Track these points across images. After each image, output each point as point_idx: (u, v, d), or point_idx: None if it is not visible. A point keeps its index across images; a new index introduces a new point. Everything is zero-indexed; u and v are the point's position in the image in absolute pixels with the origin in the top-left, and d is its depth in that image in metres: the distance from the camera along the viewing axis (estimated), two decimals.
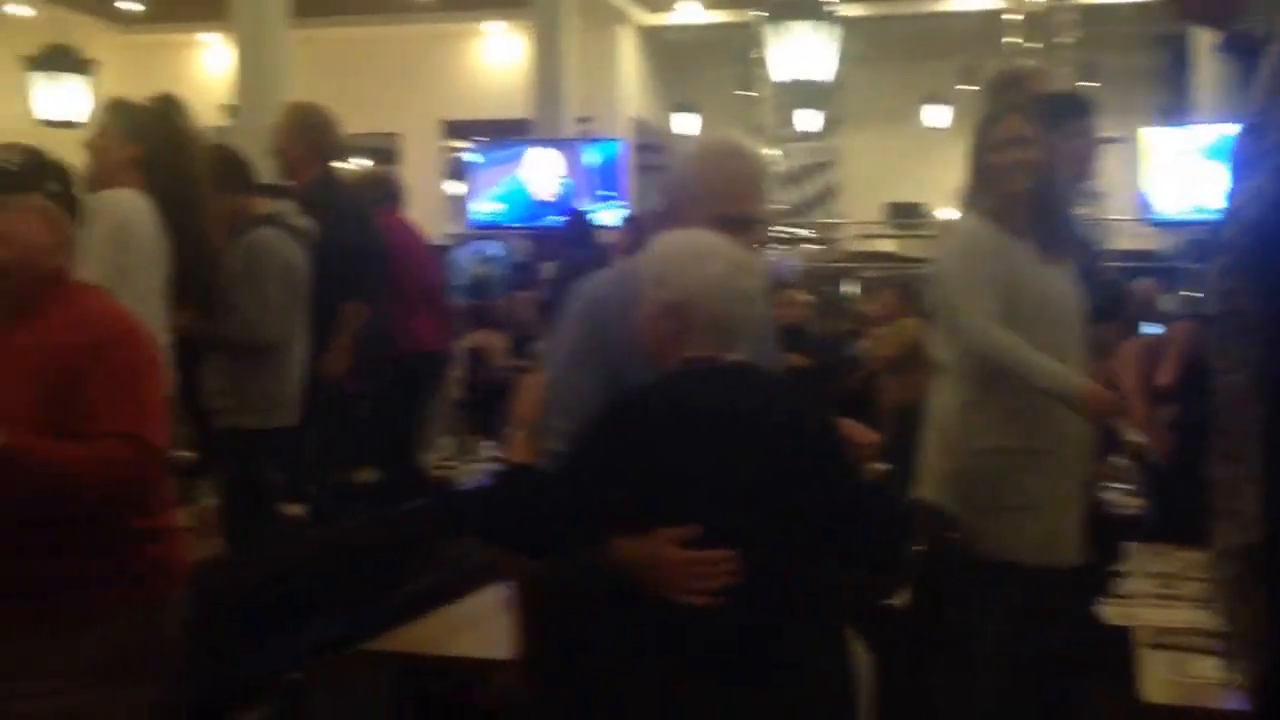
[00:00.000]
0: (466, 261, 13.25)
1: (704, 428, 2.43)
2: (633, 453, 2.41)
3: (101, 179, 4.24)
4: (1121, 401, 3.20)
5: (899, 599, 3.73)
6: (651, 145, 14.60)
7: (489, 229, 13.30)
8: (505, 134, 13.95)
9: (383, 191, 6.32)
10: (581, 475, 2.45)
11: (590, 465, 2.44)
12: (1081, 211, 4.93)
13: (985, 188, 3.61)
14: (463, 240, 13.45)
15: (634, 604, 2.40)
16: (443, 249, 12.26)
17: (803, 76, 10.39)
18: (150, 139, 4.23)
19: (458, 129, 15.29)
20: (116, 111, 4.34)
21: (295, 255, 4.74)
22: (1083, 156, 4.01)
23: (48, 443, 2.60)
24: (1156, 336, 1.73)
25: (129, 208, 4.09)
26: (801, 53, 10.28)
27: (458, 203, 14.35)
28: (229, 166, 4.80)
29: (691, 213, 2.66)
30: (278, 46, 10.00)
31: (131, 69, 15.28)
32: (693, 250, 2.52)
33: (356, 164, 10.05)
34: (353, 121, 15.15)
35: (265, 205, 4.81)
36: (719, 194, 2.70)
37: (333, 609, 4.30)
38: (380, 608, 4.11)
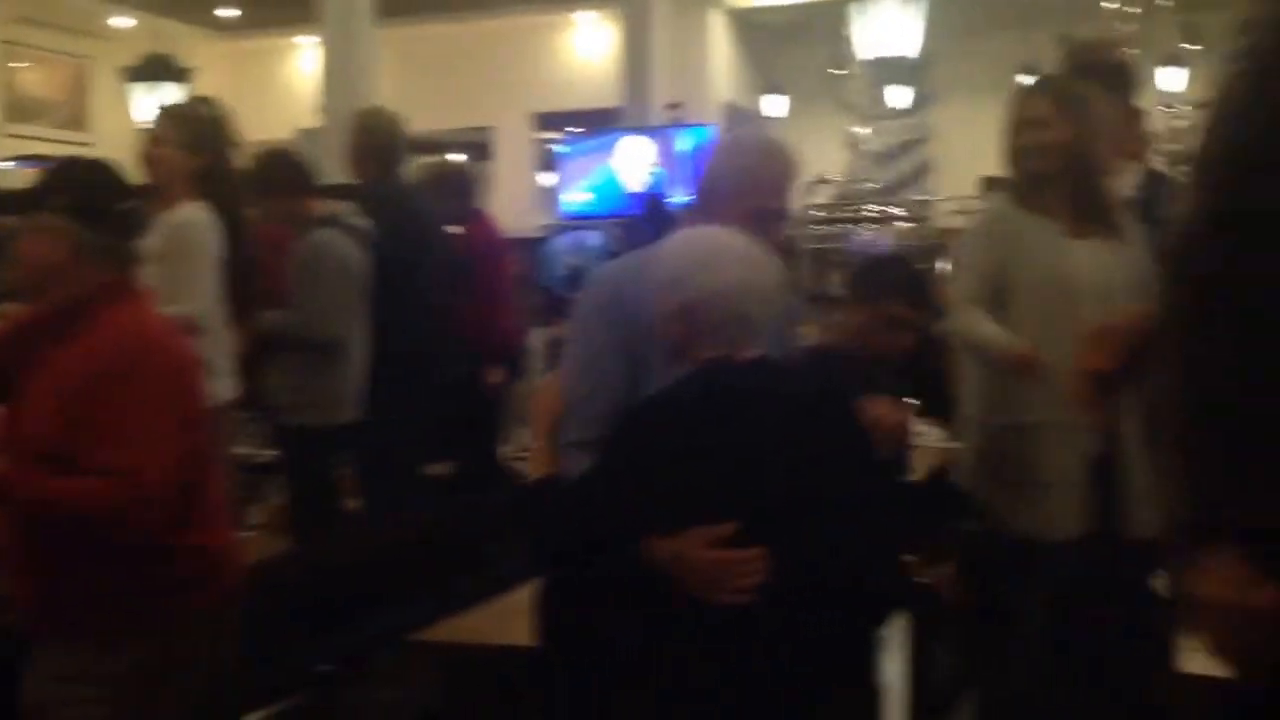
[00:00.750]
0: (563, 252, 13.32)
1: (723, 427, 2.43)
2: (658, 456, 2.42)
3: (162, 190, 4.35)
4: (1036, 364, 3.19)
5: (936, 578, 3.73)
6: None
7: (580, 219, 13.36)
8: (597, 124, 13.98)
9: (458, 189, 6.37)
10: (610, 481, 2.46)
11: (618, 471, 2.45)
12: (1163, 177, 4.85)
13: (1009, 167, 3.63)
14: (556, 231, 13.51)
15: (666, 602, 2.40)
16: (538, 241, 12.35)
17: (888, 53, 10.29)
18: (209, 150, 4.33)
19: (550, 120, 15.34)
20: (174, 122, 4.41)
21: (354, 254, 4.83)
22: (1122, 127, 3.96)
23: (38, 479, 2.62)
24: (1115, 320, 1.72)
25: (194, 220, 4.20)
26: (887, 29, 10.18)
27: (550, 194, 14.43)
28: (287, 169, 4.91)
29: (722, 206, 2.71)
30: (364, 47, 10.12)
31: (231, 75, 15.59)
32: (700, 252, 2.52)
33: (449, 159, 10.09)
34: (446, 117, 15.43)
35: (324, 206, 4.90)
36: (748, 189, 2.76)
37: (394, 602, 4.37)
38: (441, 599, 4.18)
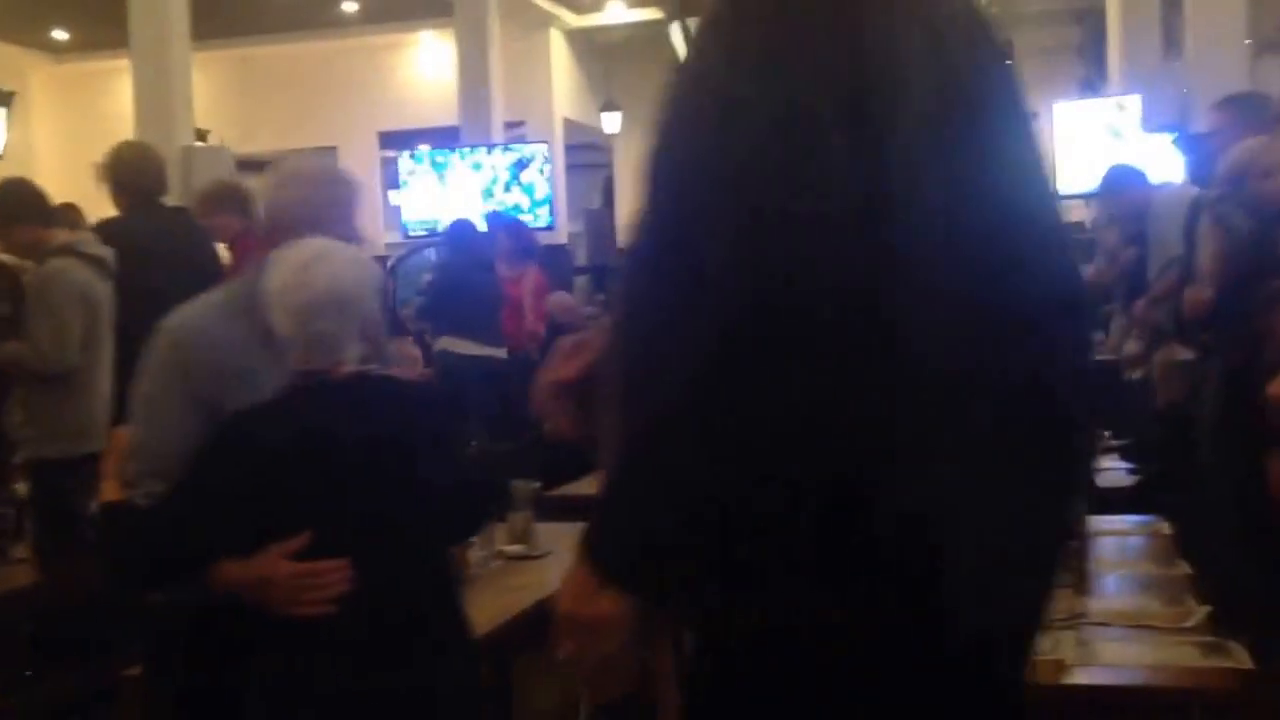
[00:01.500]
0: (417, 270, 13.22)
1: (305, 443, 2.46)
2: (240, 474, 2.43)
3: None
4: None
5: None
6: (581, 146, 14.59)
7: (424, 238, 13.31)
8: (440, 142, 13.95)
9: (231, 206, 6.25)
10: (187, 500, 2.45)
11: (198, 490, 2.45)
12: None
13: None
14: (413, 249, 13.40)
15: (253, 620, 2.43)
16: (385, 259, 12.27)
17: None
18: None
19: (393, 139, 15.28)
20: None
21: (93, 284, 4.77)
22: None
23: None
24: (590, 337, 1.74)
25: None
26: None
27: (397, 212, 14.35)
28: (25, 198, 4.86)
29: (293, 236, 2.62)
30: (179, 69, 9.96)
31: (63, 97, 15.36)
32: (280, 274, 2.50)
33: (225, 178, 9.91)
34: (290, 137, 15.24)
35: (63, 235, 4.86)
36: (319, 218, 2.67)
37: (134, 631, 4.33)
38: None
